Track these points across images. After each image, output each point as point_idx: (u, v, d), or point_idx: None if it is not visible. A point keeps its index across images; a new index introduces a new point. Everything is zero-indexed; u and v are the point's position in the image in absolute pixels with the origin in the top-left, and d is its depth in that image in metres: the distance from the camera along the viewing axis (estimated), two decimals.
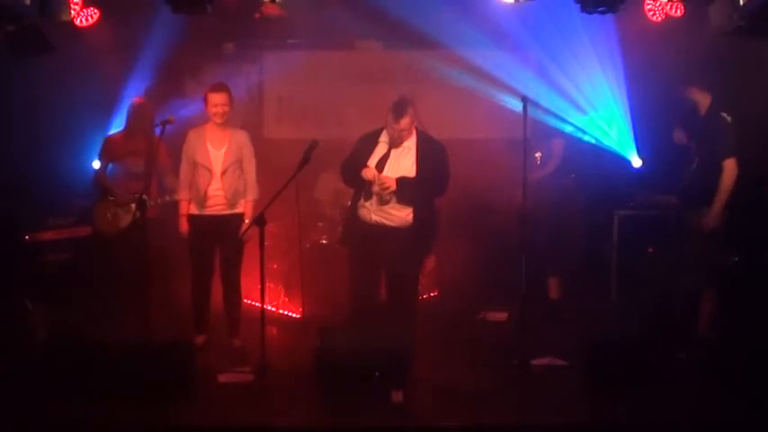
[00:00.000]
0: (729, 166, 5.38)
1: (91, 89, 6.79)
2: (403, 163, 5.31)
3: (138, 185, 5.87)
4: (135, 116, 6.28)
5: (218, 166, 5.59)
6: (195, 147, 5.58)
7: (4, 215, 6.31)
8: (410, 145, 5.33)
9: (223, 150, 5.60)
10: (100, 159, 6.40)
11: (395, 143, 5.33)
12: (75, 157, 6.94)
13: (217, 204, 5.62)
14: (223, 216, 5.64)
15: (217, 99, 5.52)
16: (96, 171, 6.47)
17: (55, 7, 5.64)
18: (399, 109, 5.23)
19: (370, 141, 5.41)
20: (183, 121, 5.92)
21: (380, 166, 5.29)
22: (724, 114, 5.54)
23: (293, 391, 5.01)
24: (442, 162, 5.37)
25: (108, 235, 6.28)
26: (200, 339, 5.70)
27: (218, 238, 5.67)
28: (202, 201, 5.60)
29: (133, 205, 5.76)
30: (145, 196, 5.47)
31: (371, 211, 5.29)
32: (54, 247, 6.52)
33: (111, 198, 6.26)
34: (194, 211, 5.65)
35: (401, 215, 5.27)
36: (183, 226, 5.68)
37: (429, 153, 5.33)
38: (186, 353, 4.97)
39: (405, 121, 5.23)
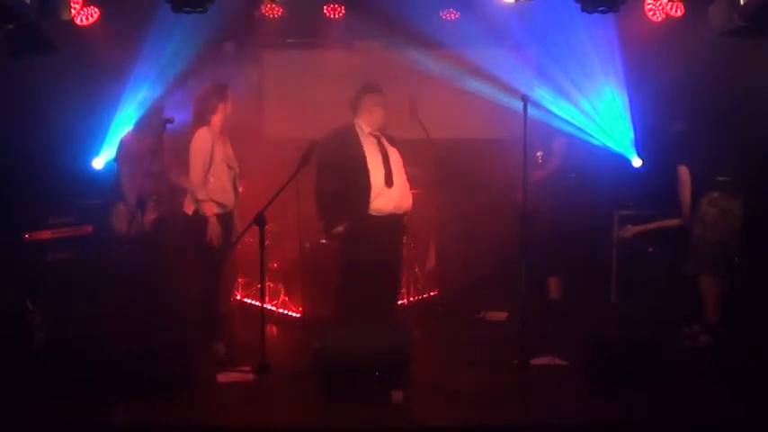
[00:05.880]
0: (678, 173, 5.88)
1: (91, 88, 6.78)
2: (394, 151, 5.53)
3: (154, 184, 6.06)
4: (149, 115, 6.25)
5: (237, 164, 5.70)
6: (215, 146, 5.56)
7: (4, 214, 6.30)
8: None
9: (230, 149, 5.71)
10: (118, 161, 6.31)
11: (382, 128, 5.51)
12: (75, 156, 6.93)
13: (233, 202, 5.69)
14: (230, 212, 5.69)
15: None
16: (118, 174, 6.31)
17: (55, 6, 5.61)
18: (373, 85, 5.48)
19: (350, 137, 5.48)
20: (182, 121, 5.91)
21: (386, 162, 5.35)
22: (675, 123, 5.99)
23: (293, 391, 5.00)
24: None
25: (129, 235, 6.12)
26: (222, 348, 5.59)
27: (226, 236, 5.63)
28: (230, 199, 5.64)
29: (151, 204, 6.04)
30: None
31: (390, 201, 5.42)
32: (54, 246, 6.52)
33: (134, 198, 6.13)
34: (217, 210, 5.56)
35: (409, 201, 5.57)
36: (217, 227, 5.50)
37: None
38: (186, 353, 4.96)
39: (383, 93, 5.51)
